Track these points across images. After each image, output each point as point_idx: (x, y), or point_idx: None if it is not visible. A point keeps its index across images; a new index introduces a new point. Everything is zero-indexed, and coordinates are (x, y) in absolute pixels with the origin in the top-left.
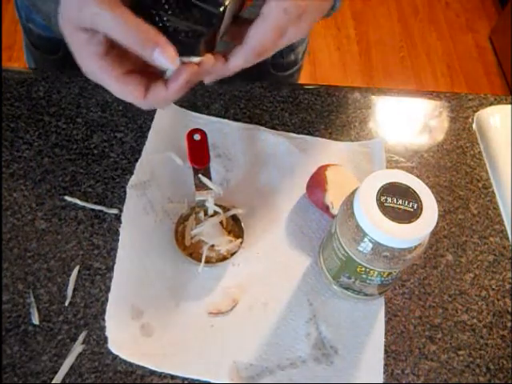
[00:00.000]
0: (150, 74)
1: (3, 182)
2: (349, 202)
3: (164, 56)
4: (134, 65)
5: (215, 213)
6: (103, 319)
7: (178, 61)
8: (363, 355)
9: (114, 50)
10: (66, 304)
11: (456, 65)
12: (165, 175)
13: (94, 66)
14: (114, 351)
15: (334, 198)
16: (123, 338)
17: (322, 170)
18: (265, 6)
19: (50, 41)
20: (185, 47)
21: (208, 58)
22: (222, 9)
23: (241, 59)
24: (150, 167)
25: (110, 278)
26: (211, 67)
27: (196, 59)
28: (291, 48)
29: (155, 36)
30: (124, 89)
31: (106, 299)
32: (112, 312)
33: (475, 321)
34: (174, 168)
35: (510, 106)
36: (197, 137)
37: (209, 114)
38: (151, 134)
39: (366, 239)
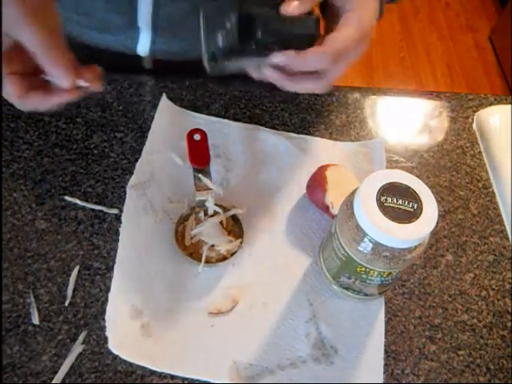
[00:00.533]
0: (35, 79)
1: (3, 181)
2: (349, 202)
3: (62, 80)
4: (22, 68)
5: (215, 213)
6: (103, 319)
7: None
8: (363, 355)
9: (11, 53)
10: (66, 304)
11: (456, 65)
12: (165, 175)
13: None
14: (114, 351)
15: (334, 198)
16: (123, 338)
17: (322, 170)
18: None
19: None
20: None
21: (97, 85)
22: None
23: (319, 53)
24: (150, 167)
25: (110, 278)
26: None
27: (84, 84)
28: None
29: (67, 63)
30: (3, 87)
31: (106, 299)
32: (112, 312)
33: (475, 321)
34: (174, 168)
35: (510, 105)
36: (197, 137)
37: (209, 114)
38: (151, 134)
39: (366, 239)
